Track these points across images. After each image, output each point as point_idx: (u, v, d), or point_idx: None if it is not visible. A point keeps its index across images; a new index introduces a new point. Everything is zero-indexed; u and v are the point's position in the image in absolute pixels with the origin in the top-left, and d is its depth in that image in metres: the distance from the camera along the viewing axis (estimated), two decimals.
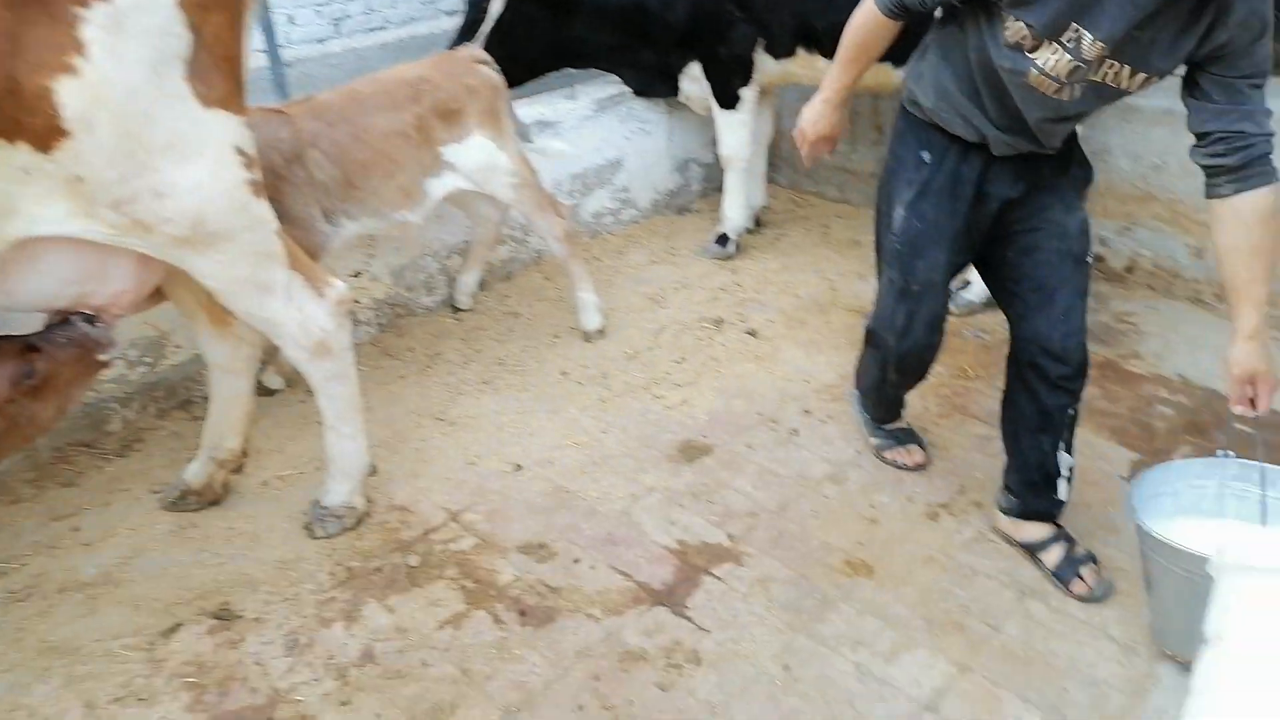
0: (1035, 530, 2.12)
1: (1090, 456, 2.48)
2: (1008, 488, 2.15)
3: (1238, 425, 1.81)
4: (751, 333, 3.15)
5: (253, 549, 2.25)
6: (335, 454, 2.29)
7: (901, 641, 1.95)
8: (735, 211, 3.58)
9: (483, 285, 3.40)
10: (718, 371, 2.94)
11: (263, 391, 2.77)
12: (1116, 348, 2.97)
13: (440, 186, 2.66)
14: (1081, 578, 2.04)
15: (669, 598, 2.08)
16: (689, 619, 2.02)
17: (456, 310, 3.31)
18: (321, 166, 2.38)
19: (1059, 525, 2.12)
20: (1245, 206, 1.66)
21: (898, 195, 1.96)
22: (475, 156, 2.68)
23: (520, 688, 1.87)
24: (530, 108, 3.52)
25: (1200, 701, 1.24)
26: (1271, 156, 1.65)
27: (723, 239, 3.62)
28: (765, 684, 1.86)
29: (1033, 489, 2.08)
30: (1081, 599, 2.02)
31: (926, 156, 1.91)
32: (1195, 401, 2.70)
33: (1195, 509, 1.94)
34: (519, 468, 2.52)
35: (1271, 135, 1.65)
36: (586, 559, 2.20)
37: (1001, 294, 2.04)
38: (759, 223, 3.88)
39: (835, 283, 3.47)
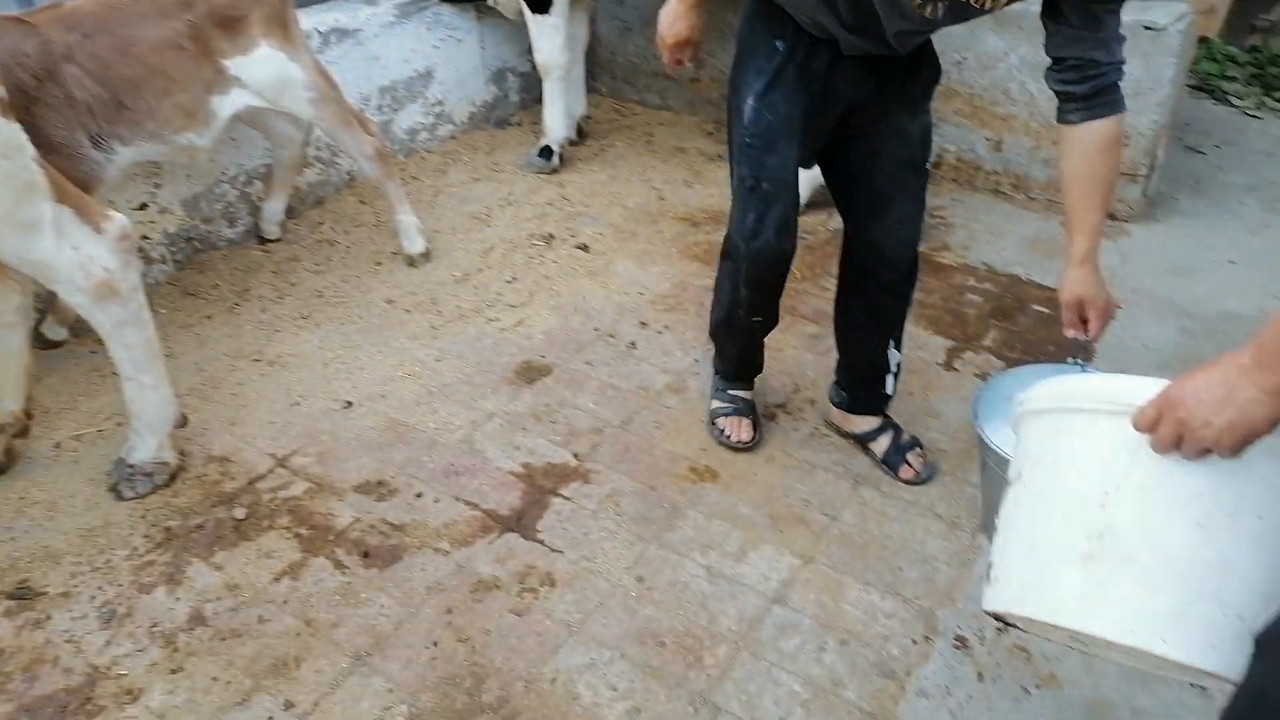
0: (864, 422, 2.21)
1: (910, 346, 2.60)
2: (838, 383, 2.23)
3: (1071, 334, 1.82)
4: (583, 247, 3.09)
5: (51, 518, 2.03)
6: (137, 407, 2.08)
7: (749, 540, 2.00)
8: (556, 122, 3.46)
9: (291, 212, 3.15)
10: (551, 289, 2.88)
11: (44, 344, 2.48)
12: (929, 241, 3.11)
13: (228, 104, 2.40)
14: (908, 463, 2.15)
15: (518, 523, 2.04)
16: (540, 542, 2.00)
17: (264, 241, 3.06)
18: (82, 84, 2.08)
19: (886, 415, 2.22)
20: (1090, 135, 1.66)
21: (747, 85, 1.83)
22: (264, 70, 2.42)
23: (369, 631, 1.80)
24: (325, 14, 3.24)
25: (999, 538, 1.33)
26: (1121, 85, 1.66)
27: (546, 152, 3.51)
28: (620, 597, 1.87)
29: (863, 385, 2.16)
30: (909, 483, 2.14)
31: (780, 45, 1.79)
32: (1000, 288, 2.88)
33: None
34: (349, 404, 2.39)
35: (1123, 63, 1.65)
36: (429, 492, 2.12)
37: (840, 196, 2.04)
38: (582, 133, 3.78)
39: (663, 191, 3.45)
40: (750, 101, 1.83)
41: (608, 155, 3.71)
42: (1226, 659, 1.09)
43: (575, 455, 2.23)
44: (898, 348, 2.13)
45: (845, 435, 2.26)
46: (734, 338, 2.20)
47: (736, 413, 2.25)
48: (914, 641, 1.78)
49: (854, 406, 2.20)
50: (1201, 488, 1.10)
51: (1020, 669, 1.72)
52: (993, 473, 1.84)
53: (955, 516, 2.06)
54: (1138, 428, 1.09)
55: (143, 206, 2.76)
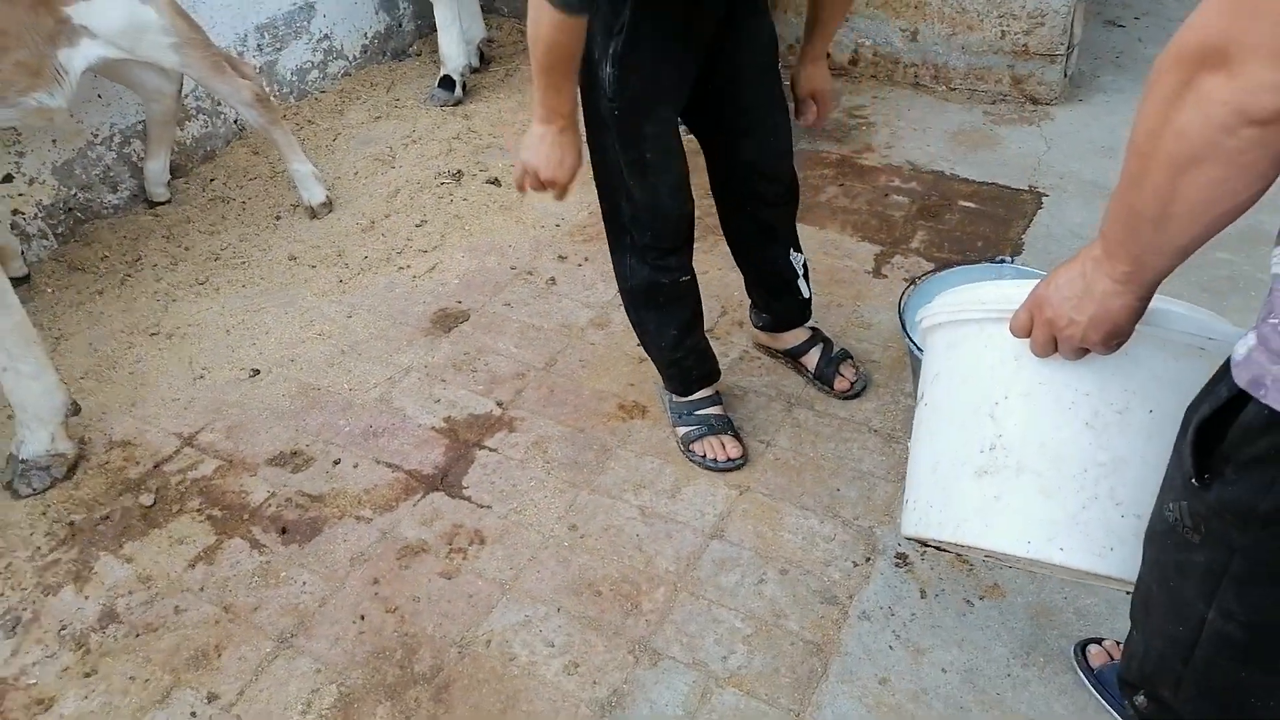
0: (792, 337, 2.14)
1: (837, 255, 2.53)
2: (755, 305, 2.15)
3: None
4: (494, 181, 2.94)
5: None
6: (20, 398, 1.94)
7: (682, 475, 1.94)
8: (453, 49, 3.26)
9: (178, 171, 2.95)
10: (464, 229, 2.74)
11: None
12: (851, 144, 3.01)
13: (79, 57, 2.17)
14: (841, 374, 2.09)
15: (443, 481, 1.96)
16: (467, 498, 1.92)
17: (152, 205, 2.86)
18: None
19: (814, 328, 2.15)
20: None
21: (599, 48, 1.53)
22: (111, 14, 2.18)
23: (293, 611, 1.72)
24: None
25: (910, 461, 1.30)
26: None
27: (447, 82, 3.31)
28: (554, 548, 1.81)
29: (777, 297, 2.07)
30: (844, 395, 2.09)
31: None
32: (925, 187, 2.80)
33: None
34: (256, 372, 2.26)
35: None
36: (347, 458, 2.02)
37: (704, 122, 1.82)
38: (484, 59, 3.58)
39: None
40: (608, 69, 1.54)
41: (514, 80, 3.52)
42: (1128, 562, 1.06)
43: (499, 403, 2.14)
44: (798, 250, 2.02)
45: (776, 354, 2.19)
46: (671, 318, 1.87)
47: (711, 432, 1.94)
48: (855, 564, 1.74)
49: (777, 323, 2.12)
50: (1087, 387, 1.06)
51: (963, 582, 1.69)
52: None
53: (891, 429, 2.02)
54: (1013, 333, 1.05)
55: (7, 179, 2.54)
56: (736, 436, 1.96)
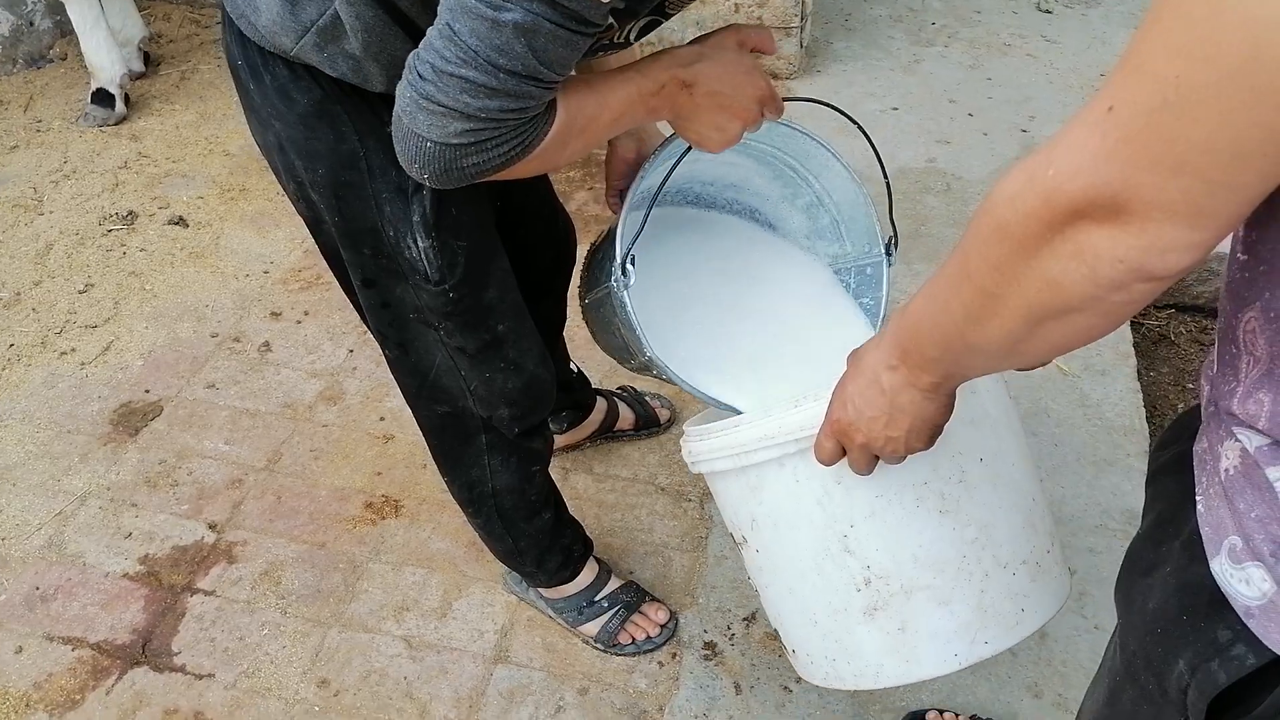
0: (597, 413, 1.83)
1: None
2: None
3: None
4: (179, 221, 2.43)
5: None
6: None
7: (451, 585, 1.64)
8: (102, 56, 2.65)
9: None
10: (144, 290, 2.23)
11: None
12: None
13: None
14: (655, 404, 1.91)
15: (145, 650, 1.55)
16: (180, 669, 1.52)
17: None
18: None
19: (595, 391, 1.87)
20: None
21: (391, 220, 1.07)
22: None
23: None
24: None
25: (768, 604, 1.18)
26: None
27: (102, 96, 2.71)
28: (303, 715, 1.46)
29: (566, 387, 1.76)
30: (666, 423, 1.90)
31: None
32: None
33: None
34: None
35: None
36: (7, 640, 1.56)
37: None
38: (150, 60, 2.97)
39: None
40: (420, 244, 1.09)
41: (192, 85, 2.96)
42: (1047, 605, 1.04)
43: (211, 526, 1.73)
44: None
45: (582, 445, 1.86)
46: (541, 502, 1.45)
47: (631, 609, 1.56)
48: (660, 664, 1.53)
49: (582, 410, 1.81)
50: (922, 475, 0.98)
51: (776, 665, 1.53)
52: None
53: (680, 485, 1.82)
54: (824, 463, 0.92)
55: None
56: (652, 595, 1.60)
